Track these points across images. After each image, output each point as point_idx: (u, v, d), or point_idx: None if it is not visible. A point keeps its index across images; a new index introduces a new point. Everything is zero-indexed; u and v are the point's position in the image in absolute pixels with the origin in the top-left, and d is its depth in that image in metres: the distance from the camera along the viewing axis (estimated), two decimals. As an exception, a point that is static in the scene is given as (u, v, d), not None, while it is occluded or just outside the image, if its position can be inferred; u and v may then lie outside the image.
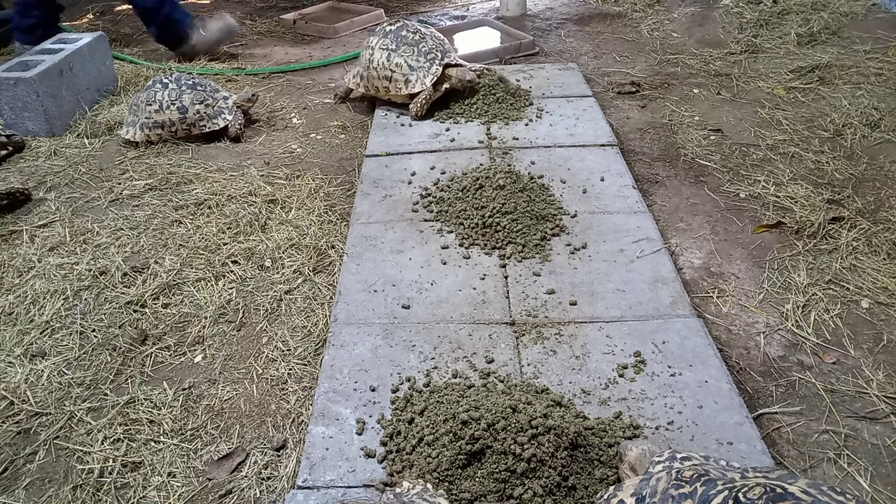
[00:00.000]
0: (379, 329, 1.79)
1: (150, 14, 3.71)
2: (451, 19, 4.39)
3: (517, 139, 2.68)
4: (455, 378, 1.64)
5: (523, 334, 1.76)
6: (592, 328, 1.77)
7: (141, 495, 1.47)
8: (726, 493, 0.99)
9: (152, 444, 1.59)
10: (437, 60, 2.84)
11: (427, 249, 2.09)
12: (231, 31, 3.86)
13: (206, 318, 1.94)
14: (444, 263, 2.03)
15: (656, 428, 1.50)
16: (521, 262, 2.02)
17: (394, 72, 2.86)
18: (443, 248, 2.09)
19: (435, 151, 2.63)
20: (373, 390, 1.61)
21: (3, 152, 2.84)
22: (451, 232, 2.16)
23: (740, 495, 0.97)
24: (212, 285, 2.06)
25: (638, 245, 2.07)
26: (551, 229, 2.14)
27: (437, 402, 1.52)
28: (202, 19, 3.81)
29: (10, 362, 1.81)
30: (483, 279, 1.96)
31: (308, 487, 1.40)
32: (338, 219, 2.35)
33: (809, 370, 1.70)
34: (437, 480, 1.35)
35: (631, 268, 1.98)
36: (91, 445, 1.58)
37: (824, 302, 1.90)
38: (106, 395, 1.72)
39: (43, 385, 1.75)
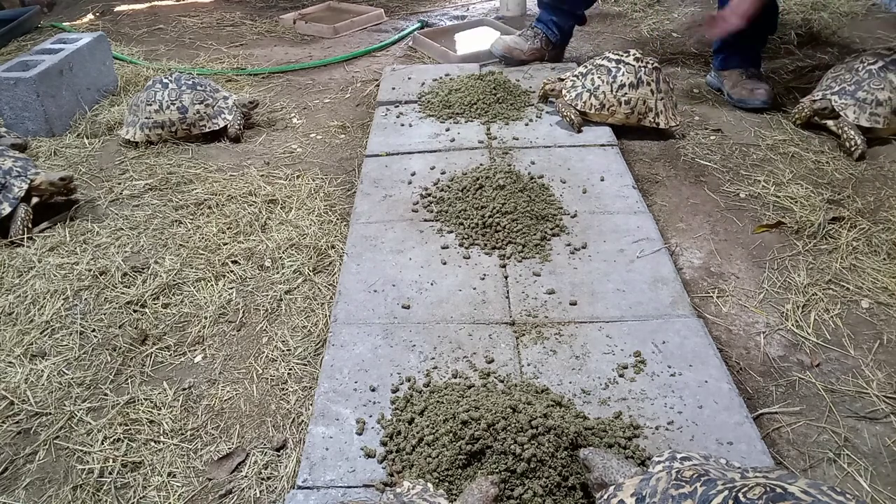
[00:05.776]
0: (379, 329, 1.79)
1: None
2: (451, 19, 4.38)
3: (517, 139, 2.68)
4: (455, 378, 1.64)
5: (523, 334, 1.76)
6: (592, 328, 1.77)
7: (141, 495, 1.47)
8: (726, 493, 0.99)
9: (152, 444, 1.59)
10: None
11: (427, 249, 2.09)
12: None
13: (206, 318, 1.94)
14: (444, 263, 2.03)
15: (656, 428, 1.49)
16: (521, 262, 2.02)
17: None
18: (443, 248, 2.09)
19: (435, 151, 2.63)
20: (373, 390, 1.61)
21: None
22: (451, 232, 2.16)
23: (740, 495, 0.97)
24: (212, 285, 2.07)
25: (638, 245, 2.07)
26: (551, 229, 2.14)
27: (437, 402, 1.52)
28: None
29: (10, 362, 1.81)
30: (483, 279, 1.96)
31: (308, 487, 1.40)
32: (338, 219, 2.35)
33: (809, 370, 1.70)
34: (437, 480, 1.35)
35: (631, 268, 1.98)
36: (91, 445, 1.58)
37: (824, 302, 1.90)
38: (106, 395, 1.72)
39: (43, 385, 1.75)
